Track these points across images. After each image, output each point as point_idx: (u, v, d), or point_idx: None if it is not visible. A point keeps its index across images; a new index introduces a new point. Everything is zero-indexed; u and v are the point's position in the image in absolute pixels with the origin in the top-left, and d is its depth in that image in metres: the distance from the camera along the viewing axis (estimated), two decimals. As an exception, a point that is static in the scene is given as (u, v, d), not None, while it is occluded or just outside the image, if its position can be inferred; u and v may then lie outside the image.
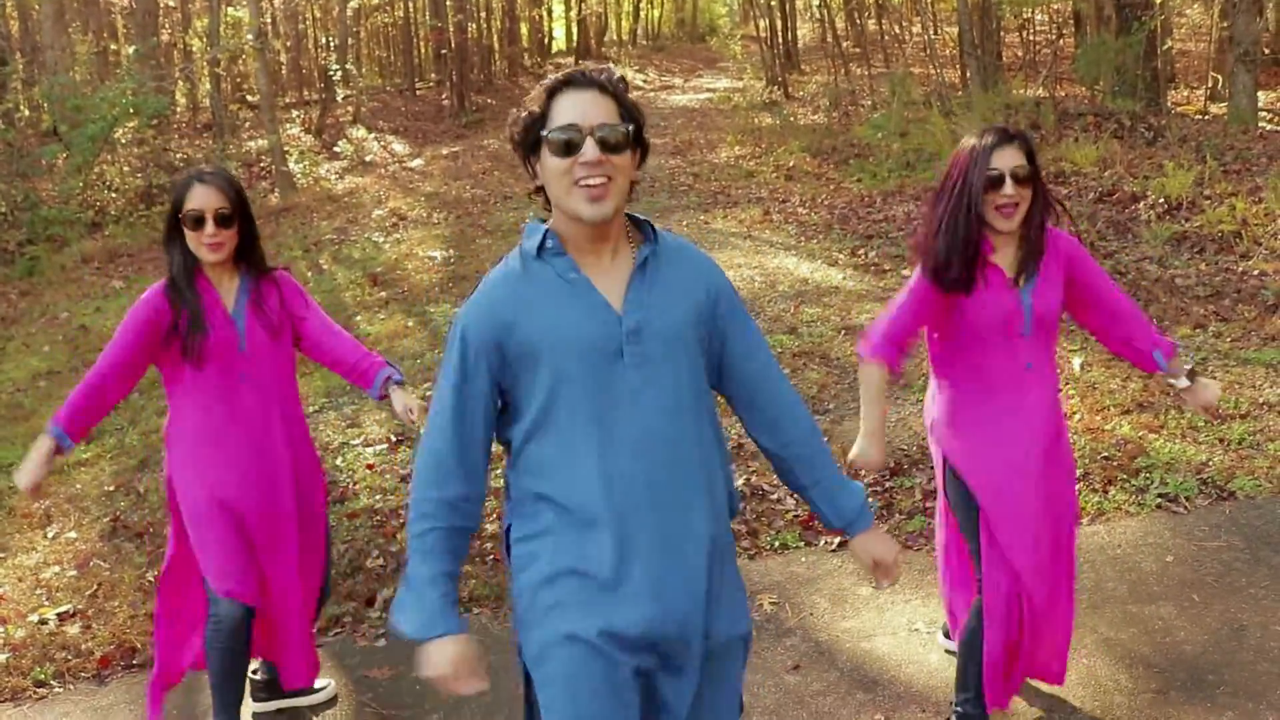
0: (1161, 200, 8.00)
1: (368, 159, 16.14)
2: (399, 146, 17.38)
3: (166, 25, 19.55)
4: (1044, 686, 3.02)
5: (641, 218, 1.94)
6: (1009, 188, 2.51)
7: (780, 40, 20.83)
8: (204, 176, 2.80)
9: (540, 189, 1.88)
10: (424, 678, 1.85)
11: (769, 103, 17.81)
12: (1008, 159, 2.53)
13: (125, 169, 12.57)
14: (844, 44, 18.90)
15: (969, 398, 2.66)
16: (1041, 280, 2.61)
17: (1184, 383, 2.71)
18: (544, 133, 1.81)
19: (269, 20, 20.19)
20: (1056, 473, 2.69)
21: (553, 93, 1.82)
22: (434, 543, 1.86)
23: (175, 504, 2.93)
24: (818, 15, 19.51)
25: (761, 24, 19.98)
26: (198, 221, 2.75)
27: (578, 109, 1.79)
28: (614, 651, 1.82)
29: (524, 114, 1.84)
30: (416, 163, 15.67)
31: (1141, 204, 8.12)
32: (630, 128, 1.82)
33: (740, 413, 2.02)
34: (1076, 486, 4.08)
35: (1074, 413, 4.94)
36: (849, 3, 18.46)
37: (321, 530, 3.10)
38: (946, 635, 3.21)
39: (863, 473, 4.54)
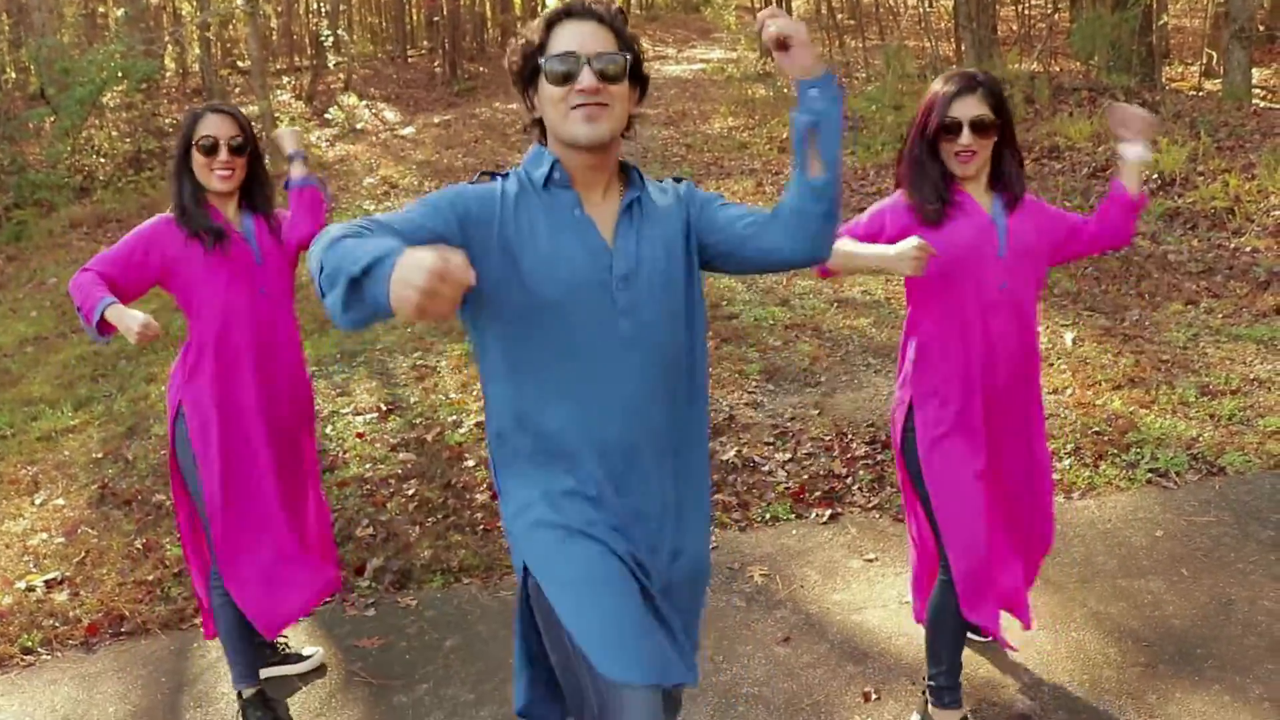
0: (1155, 176, 7.96)
1: (358, 126, 15.95)
2: (390, 114, 17.19)
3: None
4: (1031, 662, 3.03)
5: (630, 163, 1.93)
6: (965, 136, 2.47)
7: None
8: (217, 106, 2.86)
9: (538, 121, 1.87)
10: (417, 289, 1.33)
11: (763, 74, 17.64)
12: (968, 108, 2.48)
13: (114, 133, 12.40)
14: (839, 16, 18.70)
15: (941, 344, 2.58)
16: (1018, 213, 2.56)
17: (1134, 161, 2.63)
18: (542, 61, 1.79)
19: (259, -16, 19.85)
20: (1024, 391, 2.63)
21: (551, 23, 1.81)
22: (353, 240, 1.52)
23: (177, 465, 2.90)
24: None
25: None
26: (210, 149, 2.78)
27: (576, 38, 1.78)
28: (607, 541, 1.84)
29: (522, 42, 1.83)
30: (408, 130, 15.50)
31: (1135, 179, 8.07)
32: (628, 58, 1.81)
33: (748, 254, 1.94)
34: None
35: (1065, 387, 4.93)
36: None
37: (313, 432, 3.15)
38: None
39: (863, 429, 4.53)
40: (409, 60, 22.49)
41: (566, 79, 1.77)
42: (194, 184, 2.82)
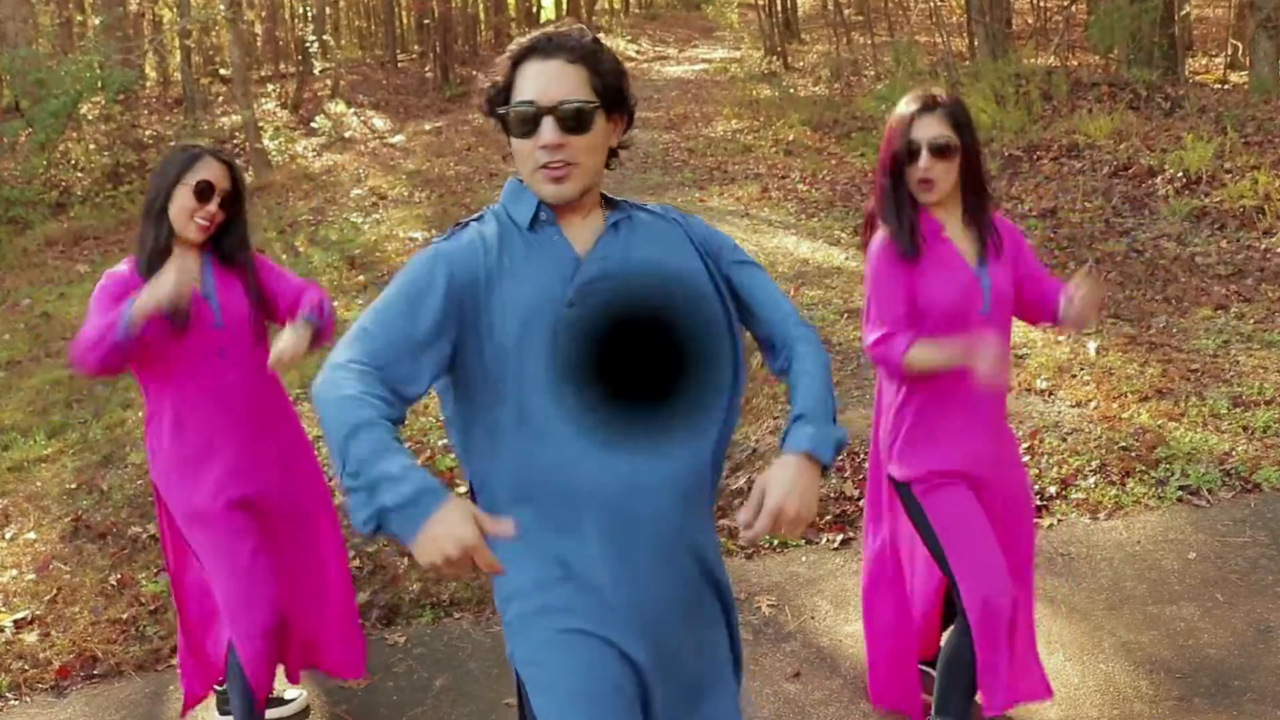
0: (1180, 174, 7.91)
1: (346, 135, 15.97)
2: (379, 122, 17.22)
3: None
4: (1057, 696, 2.97)
5: (618, 199, 1.86)
6: (923, 160, 2.44)
7: (779, 8, 20.66)
8: (217, 152, 2.76)
9: None
10: (445, 562, 1.45)
11: (767, 74, 17.67)
12: (926, 129, 2.45)
13: (91, 147, 12.42)
14: (846, 11, 18.72)
15: (926, 400, 2.56)
16: (996, 259, 2.54)
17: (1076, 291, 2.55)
18: (503, 110, 1.72)
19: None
20: (1009, 476, 2.64)
21: (517, 61, 1.73)
22: (382, 435, 1.55)
23: (165, 511, 2.85)
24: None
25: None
26: (203, 194, 2.66)
27: (539, 82, 1.69)
28: (608, 644, 1.75)
29: (487, 85, 1.75)
30: (398, 139, 15.52)
31: (1159, 178, 8.04)
32: (595, 104, 1.71)
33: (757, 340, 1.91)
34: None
35: (1089, 400, 4.88)
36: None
37: (333, 510, 3.05)
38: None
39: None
40: (399, 65, 22.55)
41: (527, 131, 1.69)
42: (169, 229, 2.69)
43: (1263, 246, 6.81)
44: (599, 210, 1.82)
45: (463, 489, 4.62)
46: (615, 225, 1.79)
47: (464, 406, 1.78)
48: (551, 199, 1.72)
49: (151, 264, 2.66)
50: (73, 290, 8.97)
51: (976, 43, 13.17)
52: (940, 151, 2.44)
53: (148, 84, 17.76)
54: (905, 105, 2.50)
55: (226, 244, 2.79)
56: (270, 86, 19.60)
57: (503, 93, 1.73)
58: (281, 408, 2.91)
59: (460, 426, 1.80)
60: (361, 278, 8.28)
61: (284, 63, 22.20)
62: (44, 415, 6.24)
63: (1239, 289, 6.20)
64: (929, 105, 2.47)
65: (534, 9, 28.82)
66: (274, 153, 13.89)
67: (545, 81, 1.69)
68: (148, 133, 13.88)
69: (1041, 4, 15.87)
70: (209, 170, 2.69)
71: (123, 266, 2.75)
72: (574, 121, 1.68)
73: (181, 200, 2.67)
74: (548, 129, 1.67)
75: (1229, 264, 6.56)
